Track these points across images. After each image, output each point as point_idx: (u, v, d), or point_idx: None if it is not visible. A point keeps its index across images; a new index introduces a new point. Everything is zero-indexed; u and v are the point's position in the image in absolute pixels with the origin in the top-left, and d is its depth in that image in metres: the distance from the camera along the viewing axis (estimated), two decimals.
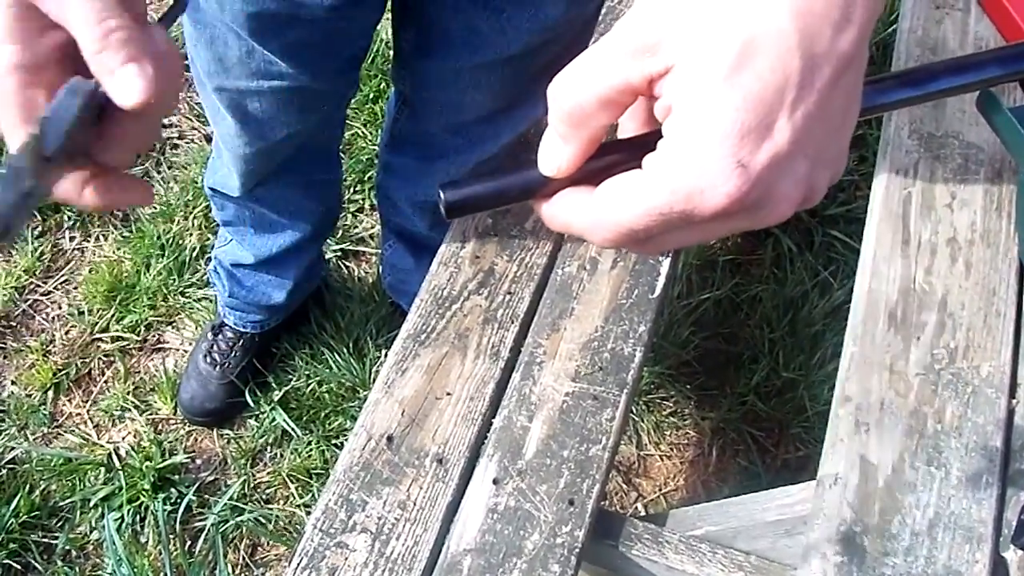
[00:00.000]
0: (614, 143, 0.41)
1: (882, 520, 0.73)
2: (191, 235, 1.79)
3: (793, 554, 0.78)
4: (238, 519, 1.49)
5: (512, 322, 0.84)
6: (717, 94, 0.35)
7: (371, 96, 1.96)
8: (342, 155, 1.54)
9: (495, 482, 0.76)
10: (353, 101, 1.80)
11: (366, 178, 1.86)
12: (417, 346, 0.83)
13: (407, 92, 1.17)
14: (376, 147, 1.87)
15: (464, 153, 1.17)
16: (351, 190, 1.86)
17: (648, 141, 0.39)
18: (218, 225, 1.49)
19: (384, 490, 0.75)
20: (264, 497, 1.54)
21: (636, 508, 1.54)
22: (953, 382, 0.79)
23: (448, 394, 0.80)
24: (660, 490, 1.57)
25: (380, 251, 1.69)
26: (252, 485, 1.54)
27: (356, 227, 1.83)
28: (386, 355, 1.63)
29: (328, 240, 1.72)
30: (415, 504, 0.75)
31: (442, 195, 0.41)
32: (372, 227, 1.81)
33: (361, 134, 1.93)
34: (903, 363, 0.80)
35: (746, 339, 1.69)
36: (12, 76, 0.42)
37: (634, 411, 1.60)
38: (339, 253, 1.79)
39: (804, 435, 1.59)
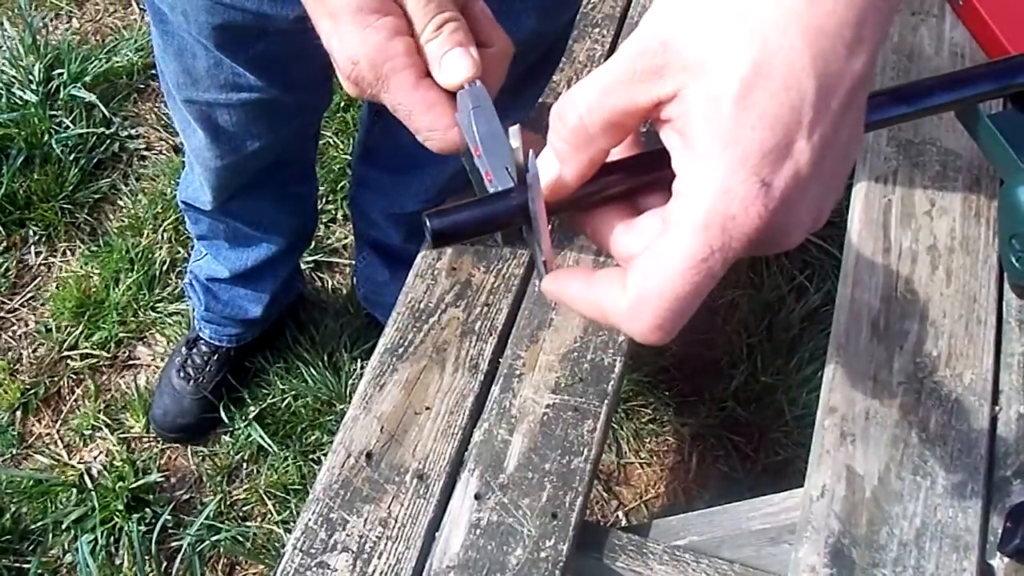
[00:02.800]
0: (607, 165, 0.40)
1: (870, 531, 0.72)
2: (161, 248, 1.76)
3: (778, 562, 0.78)
4: (215, 538, 1.46)
5: (491, 334, 0.83)
6: (731, 116, 0.33)
7: (342, 105, 1.95)
8: None
9: (477, 497, 0.75)
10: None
11: (338, 188, 1.85)
12: (395, 360, 0.82)
13: None
14: (348, 156, 1.85)
15: (438, 164, 1.16)
16: (323, 200, 1.84)
17: (642, 163, 0.38)
18: (190, 238, 1.46)
19: (364, 508, 0.74)
20: (241, 515, 1.51)
21: (617, 517, 1.54)
22: (936, 391, 0.79)
23: (427, 408, 0.79)
24: (641, 498, 1.56)
25: (354, 262, 1.67)
26: (229, 503, 1.51)
27: (329, 238, 1.81)
28: (362, 367, 1.62)
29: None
30: (396, 521, 0.74)
31: (428, 223, 0.39)
32: (345, 237, 1.79)
33: (333, 143, 1.91)
34: (887, 373, 0.80)
35: (724, 344, 1.69)
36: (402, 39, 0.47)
37: (613, 419, 1.59)
38: (312, 264, 1.77)
39: (784, 439, 1.59)
